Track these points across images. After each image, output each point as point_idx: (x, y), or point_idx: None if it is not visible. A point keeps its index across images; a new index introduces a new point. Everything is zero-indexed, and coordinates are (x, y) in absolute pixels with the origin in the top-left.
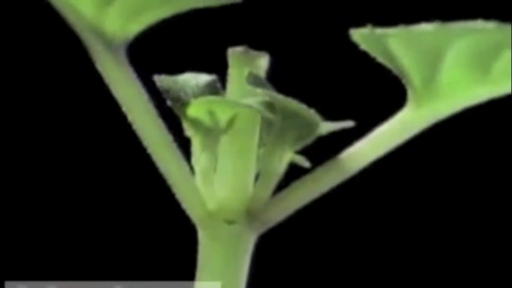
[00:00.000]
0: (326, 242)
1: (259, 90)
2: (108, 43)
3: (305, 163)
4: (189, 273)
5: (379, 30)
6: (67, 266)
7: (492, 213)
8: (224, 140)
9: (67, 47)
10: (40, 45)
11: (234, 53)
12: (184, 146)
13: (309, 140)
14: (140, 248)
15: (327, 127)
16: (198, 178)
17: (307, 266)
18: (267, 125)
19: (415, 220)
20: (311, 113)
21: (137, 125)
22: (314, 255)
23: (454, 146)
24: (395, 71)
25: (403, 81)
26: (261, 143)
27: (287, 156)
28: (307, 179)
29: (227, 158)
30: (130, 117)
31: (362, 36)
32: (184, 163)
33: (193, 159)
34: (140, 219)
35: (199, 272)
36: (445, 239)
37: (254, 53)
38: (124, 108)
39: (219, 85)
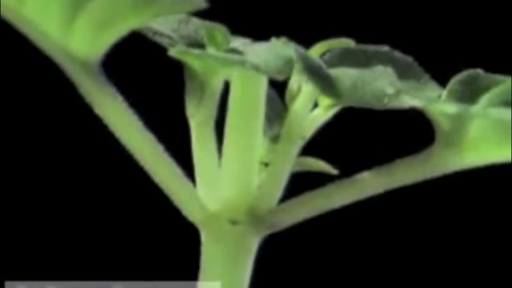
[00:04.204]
0: (330, 247)
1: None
2: (80, 62)
3: (332, 170)
4: (192, 274)
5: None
6: (68, 266)
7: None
8: (228, 135)
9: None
10: (30, 60)
11: None
12: (185, 144)
13: (335, 108)
14: (143, 248)
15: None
16: (200, 177)
17: (310, 270)
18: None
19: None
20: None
21: (124, 141)
22: (317, 260)
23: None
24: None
25: (432, 122)
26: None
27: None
28: (320, 192)
29: (231, 153)
30: (117, 135)
31: None
32: (178, 171)
33: (194, 159)
34: (143, 219)
35: (202, 272)
36: (447, 248)
37: None
38: (109, 127)
39: None
